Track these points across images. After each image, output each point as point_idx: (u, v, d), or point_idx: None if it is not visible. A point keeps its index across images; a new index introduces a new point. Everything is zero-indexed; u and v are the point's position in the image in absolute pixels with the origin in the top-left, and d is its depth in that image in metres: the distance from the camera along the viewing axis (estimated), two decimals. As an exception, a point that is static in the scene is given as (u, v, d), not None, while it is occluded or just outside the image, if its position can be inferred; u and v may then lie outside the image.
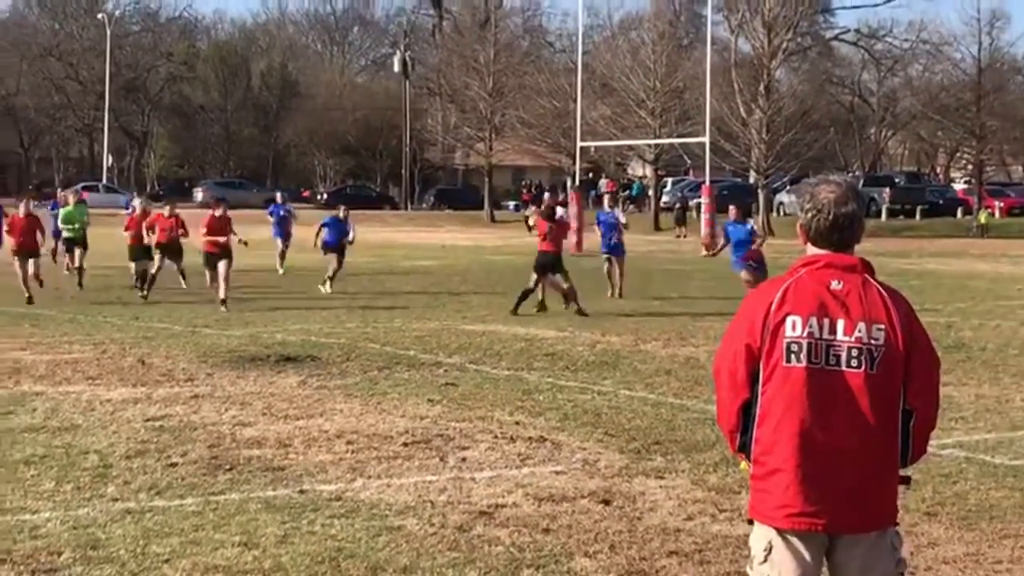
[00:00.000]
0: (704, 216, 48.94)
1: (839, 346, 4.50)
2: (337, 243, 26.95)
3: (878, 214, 63.24)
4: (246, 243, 24.65)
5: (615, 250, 26.06)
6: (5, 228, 25.07)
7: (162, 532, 8.02)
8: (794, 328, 4.51)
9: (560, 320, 21.07)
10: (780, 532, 4.53)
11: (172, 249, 25.43)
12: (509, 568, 7.40)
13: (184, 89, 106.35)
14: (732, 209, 23.22)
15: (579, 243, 48.69)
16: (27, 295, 23.46)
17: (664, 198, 70.49)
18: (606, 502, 8.90)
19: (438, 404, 12.79)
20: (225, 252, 23.25)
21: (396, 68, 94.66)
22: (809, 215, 4.68)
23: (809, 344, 4.50)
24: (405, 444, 10.77)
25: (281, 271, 31.29)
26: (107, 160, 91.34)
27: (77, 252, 28.17)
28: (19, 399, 12.90)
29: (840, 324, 4.51)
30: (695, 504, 8.85)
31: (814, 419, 4.48)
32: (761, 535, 4.60)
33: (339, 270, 26.84)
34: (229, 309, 22.00)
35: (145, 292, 24.25)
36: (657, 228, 64.21)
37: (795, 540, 4.52)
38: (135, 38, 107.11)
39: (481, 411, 12.41)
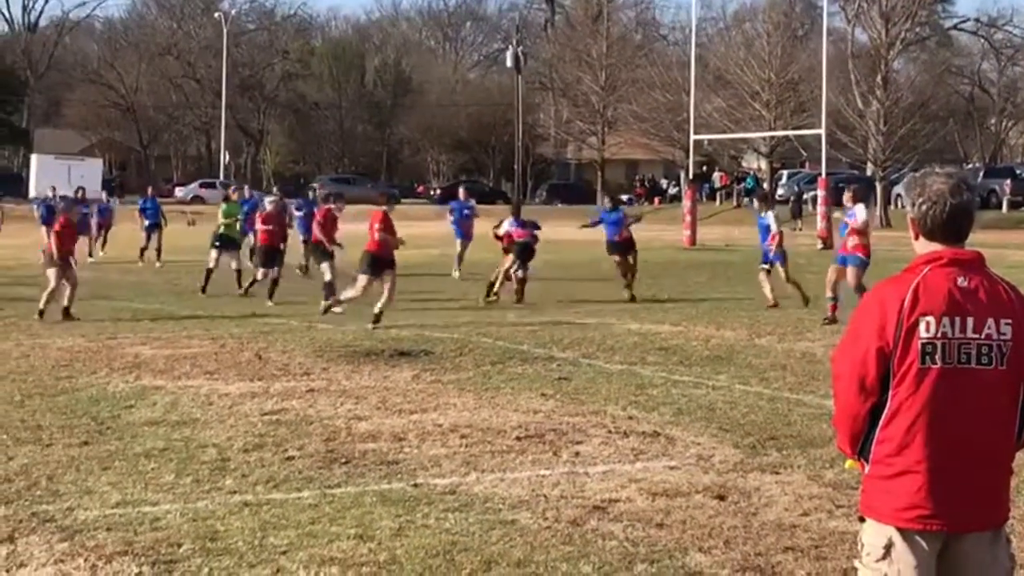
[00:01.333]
0: (820, 209, 48.38)
1: (969, 344, 4.43)
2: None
3: (999, 206, 62.10)
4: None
5: (774, 258, 22.92)
6: (56, 230, 21.25)
7: (279, 524, 8.11)
8: (927, 329, 4.42)
9: (674, 314, 20.96)
10: (902, 531, 4.47)
11: (271, 251, 24.14)
12: (623, 563, 7.37)
13: (299, 86, 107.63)
14: (846, 193, 20.94)
15: (692, 237, 48.49)
16: (40, 308, 20.14)
17: (780, 191, 69.80)
18: (721, 497, 8.83)
19: (551, 399, 12.78)
20: (392, 259, 19.80)
21: (508, 63, 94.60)
22: (923, 207, 4.55)
23: (943, 344, 4.42)
24: (518, 438, 10.77)
25: (456, 275, 29.11)
26: (224, 157, 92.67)
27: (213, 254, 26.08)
28: (139, 393, 13.13)
29: (970, 322, 4.44)
30: (811, 500, 8.76)
31: (949, 420, 4.42)
32: (878, 532, 4.52)
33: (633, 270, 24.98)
34: (376, 326, 18.80)
35: (267, 299, 22.79)
36: (772, 221, 63.51)
37: (919, 539, 4.46)
38: (251, 37, 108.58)
39: (594, 405, 12.38)
